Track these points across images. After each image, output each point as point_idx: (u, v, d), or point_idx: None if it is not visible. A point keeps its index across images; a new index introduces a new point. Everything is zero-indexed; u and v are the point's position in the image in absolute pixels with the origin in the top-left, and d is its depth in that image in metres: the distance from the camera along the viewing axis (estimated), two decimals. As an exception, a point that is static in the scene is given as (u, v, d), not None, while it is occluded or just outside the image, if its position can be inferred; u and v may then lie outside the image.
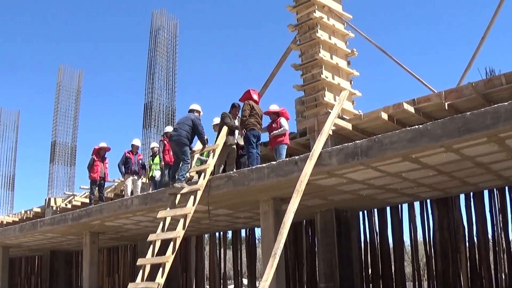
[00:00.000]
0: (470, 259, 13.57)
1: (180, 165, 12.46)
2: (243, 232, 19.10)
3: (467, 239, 13.65)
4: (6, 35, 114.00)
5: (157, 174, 15.95)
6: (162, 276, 11.14)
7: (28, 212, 24.11)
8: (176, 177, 12.39)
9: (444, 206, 13.88)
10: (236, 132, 13.16)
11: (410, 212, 14.71)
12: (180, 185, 12.18)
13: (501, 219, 13.33)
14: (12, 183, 32.26)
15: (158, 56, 21.47)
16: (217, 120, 13.89)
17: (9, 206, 31.89)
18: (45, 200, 22.96)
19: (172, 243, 11.50)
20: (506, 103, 7.80)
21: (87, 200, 19.42)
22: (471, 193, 13.59)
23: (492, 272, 13.37)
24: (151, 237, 12.05)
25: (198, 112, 13.14)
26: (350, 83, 13.79)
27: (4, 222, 25.10)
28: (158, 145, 16.22)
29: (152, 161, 16.34)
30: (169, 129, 15.41)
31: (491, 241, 13.65)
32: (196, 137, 12.91)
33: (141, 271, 11.75)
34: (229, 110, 13.28)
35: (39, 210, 23.34)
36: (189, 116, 12.91)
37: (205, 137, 13.08)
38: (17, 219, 24.60)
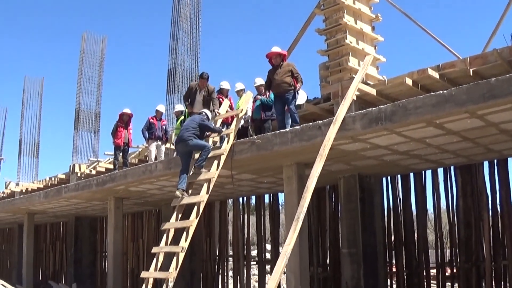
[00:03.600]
0: (493, 227, 13.50)
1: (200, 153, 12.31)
2: (266, 197, 19.21)
3: (490, 207, 13.57)
4: (30, 2, 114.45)
5: None
6: (186, 240, 11.32)
7: (53, 178, 24.44)
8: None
9: (468, 173, 13.79)
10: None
11: (433, 178, 14.62)
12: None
13: (525, 187, 13.25)
14: (36, 150, 32.71)
15: (181, 22, 21.36)
16: (259, 81, 13.97)
17: (34, 173, 32.40)
18: (70, 166, 23.26)
19: (196, 208, 11.64)
20: (532, 69, 7.71)
21: (111, 166, 19.64)
22: (495, 161, 13.46)
23: (515, 240, 13.32)
24: (175, 202, 12.19)
25: (206, 114, 13.05)
26: (375, 48, 13.65)
27: (29, 189, 25.50)
28: (182, 108, 16.23)
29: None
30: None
31: (515, 209, 13.58)
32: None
33: (165, 235, 11.94)
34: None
35: (63, 176, 23.67)
36: (193, 118, 12.83)
37: (217, 129, 12.98)
38: (41, 186, 24.98)
